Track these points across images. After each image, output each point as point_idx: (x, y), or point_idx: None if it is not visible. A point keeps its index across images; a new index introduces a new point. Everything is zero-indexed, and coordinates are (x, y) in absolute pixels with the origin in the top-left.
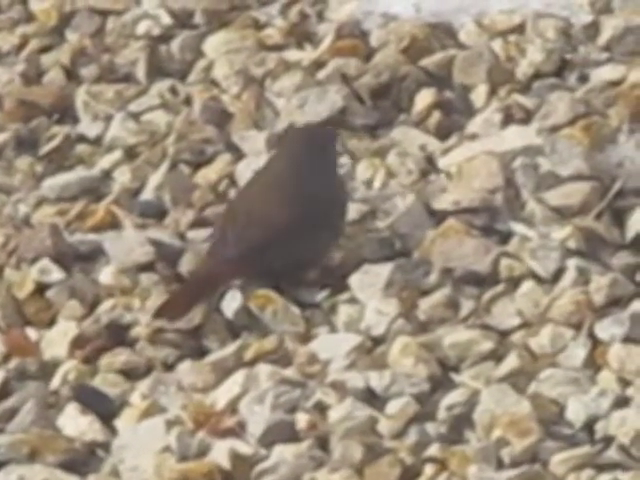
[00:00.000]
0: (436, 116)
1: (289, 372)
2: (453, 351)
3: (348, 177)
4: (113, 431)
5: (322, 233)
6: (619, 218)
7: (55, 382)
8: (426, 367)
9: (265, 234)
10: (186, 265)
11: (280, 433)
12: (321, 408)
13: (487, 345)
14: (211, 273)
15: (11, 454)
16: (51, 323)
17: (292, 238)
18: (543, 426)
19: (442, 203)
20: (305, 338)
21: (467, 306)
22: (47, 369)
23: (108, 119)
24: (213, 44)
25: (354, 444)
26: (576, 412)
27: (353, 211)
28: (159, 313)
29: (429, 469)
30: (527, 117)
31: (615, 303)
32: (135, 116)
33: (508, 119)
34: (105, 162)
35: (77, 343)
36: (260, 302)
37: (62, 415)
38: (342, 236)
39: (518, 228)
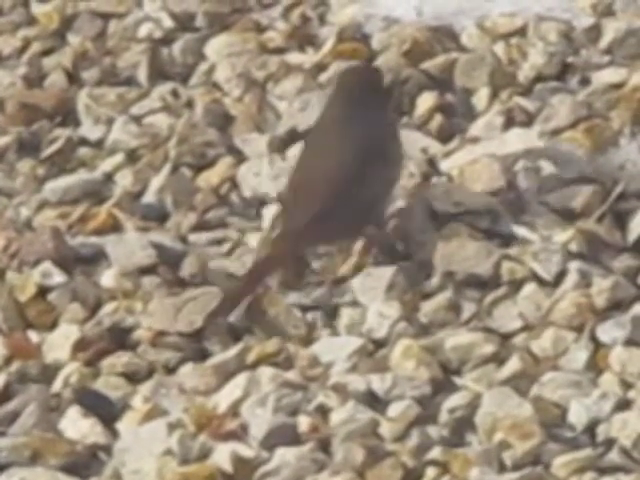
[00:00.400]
0: (438, 119)
1: (291, 375)
2: (455, 354)
3: None
4: (115, 434)
5: (381, 174)
6: (621, 221)
7: (57, 385)
8: (428, 370)
9: (324, 198)
10: (188, 268)
11: (282, 436)
12: (323, 411)
13: (489, 348)
14: (281, 247)
15: (13, 457)
16: (53, 326)
17: (352, 191)
18: (545, 429)
19: (444, 206)
20: (307, 341)
21: (469, 309)
22: (49, 372)
23: (110, 122)
24: (215, 47)
25: (356, 447)
26: (578, 415)
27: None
28: (215, 313)
29: (431, 472)
30: (529, 120)
31: (617, 306)
32: (137, 119)
33: (510, 122)
34: (107, 165)
35: (79, 346)
36: (262, 305)
37: (64, 418)
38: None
39: (520, 231)
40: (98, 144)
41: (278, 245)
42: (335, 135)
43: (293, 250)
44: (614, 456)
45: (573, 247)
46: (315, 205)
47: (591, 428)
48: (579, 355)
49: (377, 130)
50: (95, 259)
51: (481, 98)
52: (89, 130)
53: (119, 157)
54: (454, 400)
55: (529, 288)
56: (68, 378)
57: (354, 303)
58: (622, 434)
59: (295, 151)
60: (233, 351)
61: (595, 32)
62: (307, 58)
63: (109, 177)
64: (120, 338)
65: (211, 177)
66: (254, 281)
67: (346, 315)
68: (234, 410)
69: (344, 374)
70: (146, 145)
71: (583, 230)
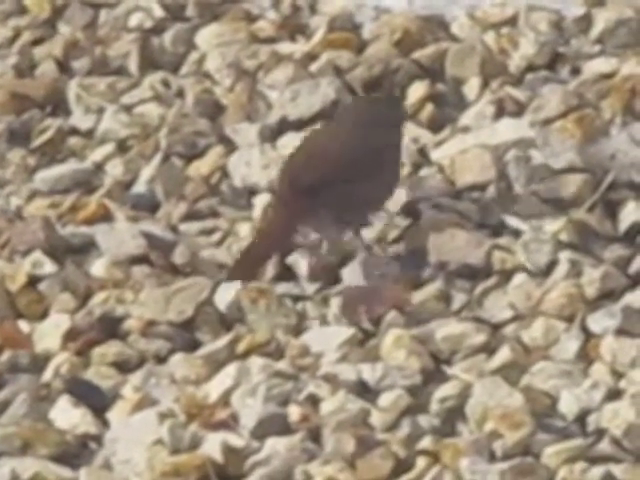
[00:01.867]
0: (429, 109)
1: (281, 365)
2: (445, 344)
3: None
4: (105, 424)
5: (380, 176)
6: (611, 211)
7: (47, 375)
8: (418, 360)
9: (321, 171)
10: (179, 257)
11: (272, 426)
12: (313, 401)
13: (479, 338)
14: (276, 220)
15: (3, 447)
16: (43, 316)
17: (349, 177)
18: (535, 419)
19: (435, 196)
20: (297, 331)
21: (459, 299)
22: (39, 362)
23: (100, 112)
24: (205, 37)
25: (346, 437)
26: (568, 405)
27: None
28: (232, 275)
29: (421, 462)
30: (520, 110)
31: (607, 296)
32: (127, 109)
33: (500, 112)
34: (97, 155)
35: (69, 336)
36: (252, 295)
37: (54, 408)
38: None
39: (511, 221)
40: (88, 134)
41: (282, 207)
42: (345, 132)
43: (297, 212)
44: (605, 446)
45: (564, 237)
46: (308, 178)
47: (582, 418)
48: (570, 345)
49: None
50: (85, 249)
51: (472, 88)
52: (80, 120)
53: (109, 147)
54: (445, 390)
55: (520, 278)
56: (59, 368)
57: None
58: (613, 424)
59: (286, 140)
60: (223, 341)
61: (586, 22)
62: (298, 48)
63: (99, 167)
64: (111, 328)
65: (201, 167)
66: (271, 241)
67: (336, 305)
68: (224, 400)
69: (334, 364)
70: (136, 135)
71: (574, 220)
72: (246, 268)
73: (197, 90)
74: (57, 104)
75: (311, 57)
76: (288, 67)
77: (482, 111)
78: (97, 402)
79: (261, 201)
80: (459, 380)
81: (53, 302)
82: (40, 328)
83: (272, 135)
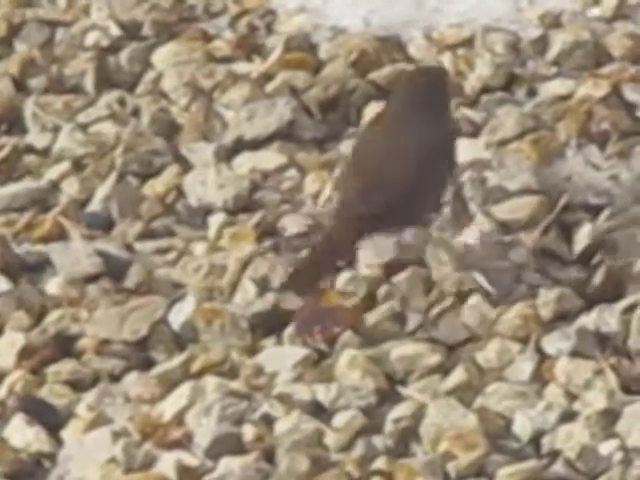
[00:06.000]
0: None
1: (236, 384)
2: (400, 364)
3: (296, 190)
4: (59, 442)
5: (436, 188)
6: (567, 232)
7: (1, 393)
8: (373, 380)
9: (392, 191)
10: (134, 277)
11: (227, 445)
12: (268, 420)
13: (434, 359)
14: (343, 234)
15: None
16: None
17: (415, 192)
18: (489, 440)
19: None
20: (251, 351)
21: (414, 319)
22: None
23: (56, 130)
24: (162, 56)
25: (300, 457)
26: (523, 426)
27: (299, 225)
28: (288, 284)
29: None
30: (475, 131)
31: (562, 317)
32: (83, 127)
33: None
34: (53, 173)
35: (24, 354)
36: (207, 315)
37: (8, 426)
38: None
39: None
40: (44, 152)
41: (344, 227)
42: (405, 134)
43: (358, 233)
44: (559, 467)
45: (519, 258)
46: (394, 191)
47: (536, 439)
48: (524, 366)
49: (440, 133)
50: (41, 267)
51: None
52: (35, 138)
53: (65, 165)
54: (399, 410)
55: (475, 299)
56: (13, 386)
57: None
58: (567, 445)
59: (242, 160)
60: (178, 360)
61: (542, 44)
62: (254, 67)
63: (55, 185)
64: (65, 346)
65: (157, 186)
66: (327, 262)
67: (291, 325)
68: (179, 419)
69: (289, 384)
70: (92, 153)
71: (529, 242)
72: (305, 280)
73: (153, 109)
74: (13, 122)
75: (267, 77)
76: (244, 87)
77: None
78: (51, 420)
79: (216, 220)
80: (413, 401)
81: (7, 320)
82: None
83: (228, 155)
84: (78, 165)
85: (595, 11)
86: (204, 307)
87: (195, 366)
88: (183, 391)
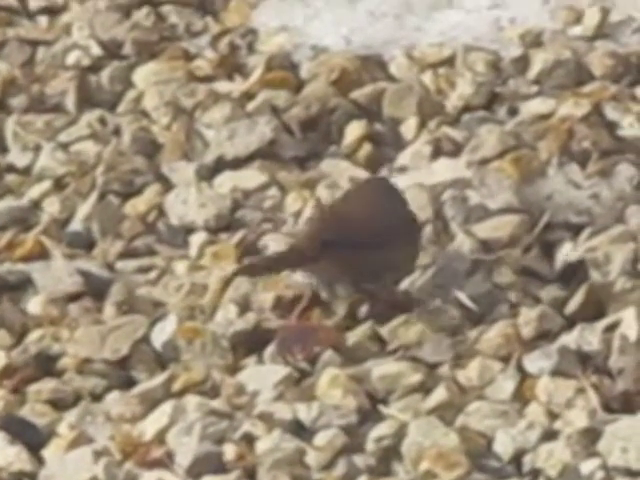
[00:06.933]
0: (366, 148)
1: (217, 403)
2: (381, 383)
3: (278, 209)
4: (41, 461)
5: (402, 248)
6: (548, 251)
7: None
8: (354, 399)
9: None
10: (115, 296)
11: (208, 464)
12: (249, 439)
13: (415, 378)
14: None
15: None
16: None
17: (373, 244)
18: (471, 459)
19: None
20: (233, 370)
21: (396, 338)
22: None
23: (37, 149)
24: (143, 75)
25: (282, 476)
26: (504, 445)
27: (281, 243)
28: (243, 270)
29: None
30: (457, 150)
31: (544, 336)
32: (64, 146)
33: (438, 152)
34: (34, 192)
35: (5, 373)
36: (188, 334)
37: None
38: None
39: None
40: (25, 171)
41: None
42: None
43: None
44: None
45: (500, 277)
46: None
47: (517, 458)
48: (505, 385)
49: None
50: (22, 286)
51: (409, 128)
52: (17, 157)
53: (46, 184)
54: (380, 429)
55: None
56: None
57: None
58: (548, 464)
59: (223, 179)
60: (159, 379)
61: (523, 62)
62: (235, 86)
63: (36, 204)
64: (46, 365)
65: (138, 205)
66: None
67: (272, 344)
68: (160, 438)
69: (270, 403)
70: (73, 172)
71: (510, 260)
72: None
73: (134, 128)
74: None
75: (248, 96)
76: (225, 106)
77: (419, 151)
78: (32, 439)
79: (197, 239)
80: (395, 420)
81: None
82: None
83: (209, 174)
84: (59, 184)
85: (576, 30)
86: (185, 326)
87: (176, 385)
88: (164, 410)
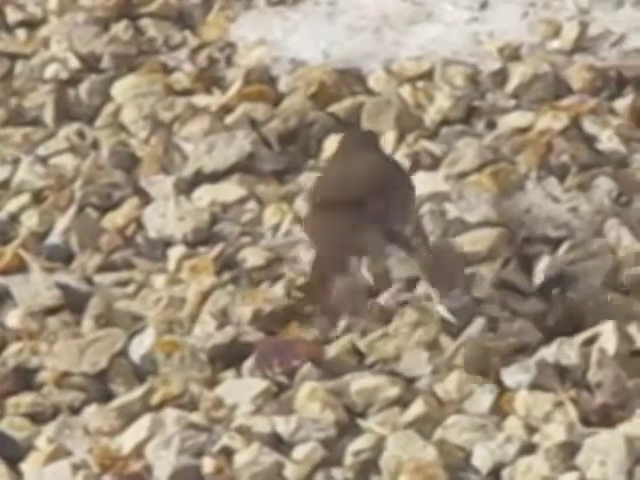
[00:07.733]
0: None
1: (195, 417)
2: (360, 397)
3: (256, 222)
4: (19, 474)
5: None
6: (527, 265)
7: None
8: (333, 412)
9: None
10: (93, 309)
11: (186, 477)
12: (227, 453)
13: (394, 391)
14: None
15: None
16: None
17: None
18: (449, 472)
19: None
20: (211, 383)
21: (374, 352)
22: None
23: (16, 162)
24: (121, 88)
25: None
26: (482, 458)
27: (259, 257)
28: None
29: None
30: (435, 163)
31: (522, 350)
32: (43, 160)
33: (416, 165)
34: (12, 205)
35: None
36: (167, 347)
37: None
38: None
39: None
40: (4, 184)
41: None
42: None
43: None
44: None
45: (479, 291)
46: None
47: (495, 472)
48: (484, 399)
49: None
50: (0, 299)
51: (388, 141)
52: None
53: (25, 197)
54: (359, 443)
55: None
56: None
57: None
58: (526, 478)
59: (201, 192)
60: (137, 392)
61: (501, 76)
62: (214, 100)
63: (15, 217)
64: (25, 378)
65: (117, 218)
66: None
67: (250, 357)
68: (138, 451)
69: (249, 416)
70: (52, 186)
71: (489, 274)
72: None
73: (112, 142)
74: None
75: (227, 109)
76: (204, 119)
77: None
78: (11, 453)
79: (176, 253)
80: (373, 433)
81: None
82: None
83: (187, 187)
84: (38, 197)
85: (554, 44)
86: (164, 339)
87: (155, 398)
88: (143, 423)
